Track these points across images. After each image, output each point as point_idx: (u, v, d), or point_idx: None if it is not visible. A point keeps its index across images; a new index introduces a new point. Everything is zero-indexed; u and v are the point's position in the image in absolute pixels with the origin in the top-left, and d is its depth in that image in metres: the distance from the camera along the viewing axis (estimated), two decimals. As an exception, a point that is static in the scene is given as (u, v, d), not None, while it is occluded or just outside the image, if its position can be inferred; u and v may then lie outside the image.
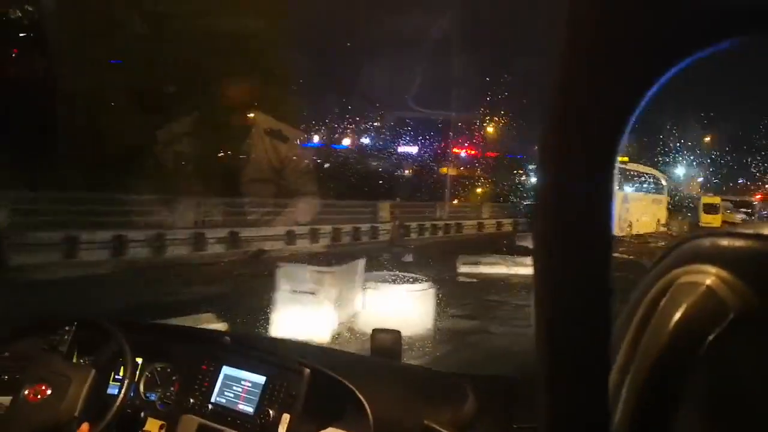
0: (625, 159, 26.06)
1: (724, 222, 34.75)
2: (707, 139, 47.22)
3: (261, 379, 1.63)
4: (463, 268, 12.75)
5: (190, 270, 10.91)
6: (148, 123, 13.48)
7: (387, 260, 13.42)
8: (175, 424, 1.65)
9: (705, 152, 46.89)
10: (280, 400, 1.55)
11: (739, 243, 0.34)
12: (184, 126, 14.59)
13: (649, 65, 0.26)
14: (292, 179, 17.18)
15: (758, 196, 47.21)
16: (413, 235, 19.15)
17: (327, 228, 16.42)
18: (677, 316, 0.33)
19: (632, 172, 24.68)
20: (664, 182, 27.61)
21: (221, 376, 1.69)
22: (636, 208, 24.12)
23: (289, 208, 16.06)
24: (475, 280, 12.05)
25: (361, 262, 7.52)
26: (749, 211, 41.25)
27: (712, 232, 0.36)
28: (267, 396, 1.59)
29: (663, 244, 24.30)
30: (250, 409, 1.59)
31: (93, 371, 1.63)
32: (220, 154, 16.79)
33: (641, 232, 24.89)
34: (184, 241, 12.65)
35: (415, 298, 6.89)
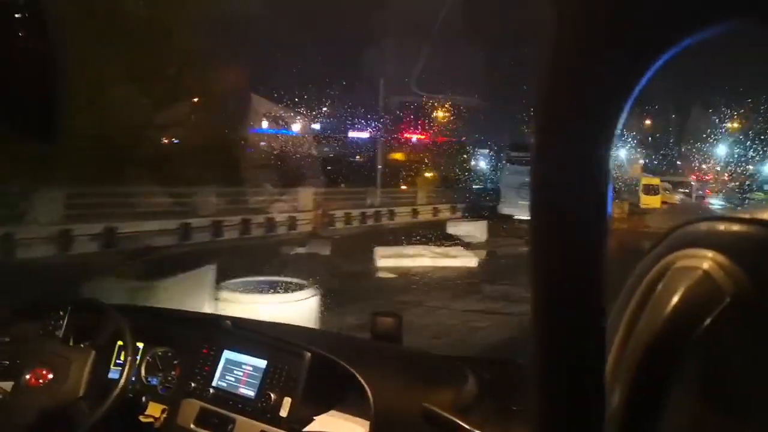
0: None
1: (663, 202, 34.63)
2: (647, 122, 48.45)
3: (262, 363, 1.62)
4: (383, 262, 11.24)
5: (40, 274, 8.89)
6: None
7: (293, 256, 11.74)
8: (176, 407, 1.64)
9: (646, 135, 48.08)
10: (282, 383, 1.55)
11: (735, 228, 0.34)
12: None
13: (642, 52, 0.26)
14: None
15: (693, 177, 48.24)
16: (339, 225, 17.49)
17: (235, 219, 14.52)
18: (674, 300, 0.33)
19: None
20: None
21: (222, 360, 1.68)
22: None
23: (187, 198, 14.10)
24: (394, 275, 10.55)
25: (210, 270, 5.79)
26: (687, 191, 41.67)
27: (709, 217, 0.36)
28: (268, 380, 1.58)
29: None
30: (251, 393, 1.59)
31: (93, 352, 1.67)
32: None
33: None
34: (45, 240, 10.51)
35: (287, 311, 5.23)
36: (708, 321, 0.32)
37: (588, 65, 0.26)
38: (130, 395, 1.69)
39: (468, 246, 13.90)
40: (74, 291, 5.15)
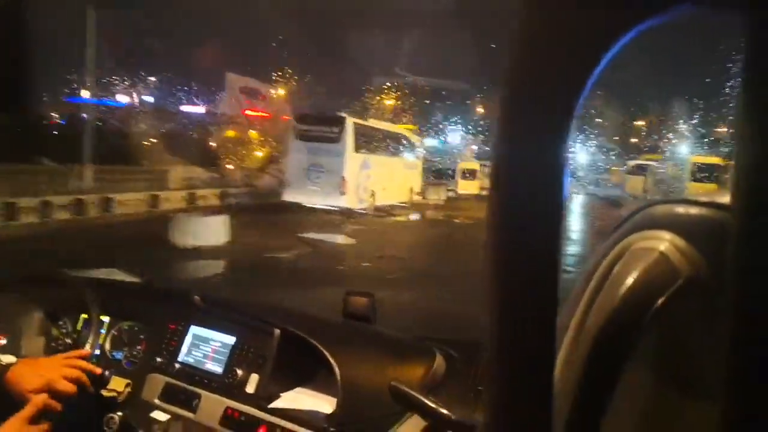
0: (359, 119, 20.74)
1: (483, 188, 32.59)
2: (480, 109, 48.60)
3: (230, 339, 1.60)
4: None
5: None
6: None
7: None
8: (141, 382, 1.60)
9: (478, 120, 48.09)
10: (249, 360, 1.53)
11: (693, 210, 0.35)
12: None
13: (597, 37, 0.26)
14: None
15: None
16: None
17: None
18: (630, 280, 0.34)
19: (376, 132, 19.52)
20: (417, 144, 23.20)
21: (189, 336, 1.66)
22: (381, 175, 19.18)
23: None
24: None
25: None
26: None
27: (668, 200, 0.37)
28: (236, 356, 1.56)
29: (415, 218, 20.10)
30: (218, 369, 1.56)
31: (39, 315, 1.72)
32: None
33: (388, 203, 20.16)
34: None
35: None
36: (662, 300, 0.33)
37: (546, 49, 0.26)
38: None
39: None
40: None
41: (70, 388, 1.37)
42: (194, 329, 1.65)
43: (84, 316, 1.73)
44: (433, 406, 1.12)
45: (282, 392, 1.48)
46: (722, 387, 0.25)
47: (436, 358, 1.45)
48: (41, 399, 1.29)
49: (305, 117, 17.59)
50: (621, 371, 0.34)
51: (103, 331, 1.73)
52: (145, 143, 20.42)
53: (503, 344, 0.29)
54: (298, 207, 16.83)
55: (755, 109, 0.25)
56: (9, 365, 1.36)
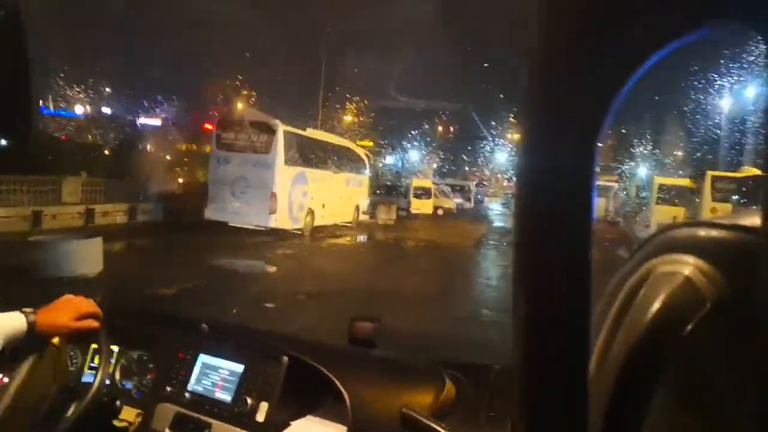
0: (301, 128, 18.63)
1: (438, 207, 30.77)
2: (440, 128, 49.21)
3: (239, 367, 1.60)
4: None
5: None
6: None
7: None
8: (151, 412, 1.61)
9: (437, 139, 48.64)
10: (258, 388, 1.53)
11: (715, 233, 0.34)
12: None
13: (629, 54, 0.27)
14: None
15: (474, 180, 47.35)
16: None
17: None
18: (656, 305, 0.34)
19: (315, 144, 17.34)
20: (365, 159, 21.12)
21: (198, 364, 1.65)
22: (320, 191, 17.01)
23: None
24: None
25: None
26: (467, 195, 39.23)
27: (691, 222, 0.36)
28: (245, 384, 1.56)
29: (359, 240, 17.12)
30: (227, 397, 1.56)
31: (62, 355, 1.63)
32: None
33: (329, 223, 17.96)
34: None
35: None
36: (690, 326, 0.32)
37: (575, 67, 0.26)
38: (104, 399, 1.61)
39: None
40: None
41: (94, 323, 1.47)
42: (203, 357, 1.64)
43: (93, 345, 1.70)
44: None
45: (292, 420, 1.47)
46: (750, 415, 0.25)
47: (446, 383, 1.44)
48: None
49: (228, 123, 15.28)
50: (649, 399, 0.33)
51: (112, 360, 1.70)
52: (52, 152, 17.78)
53: (532, 365, 0.29)
54: (220, 227, 14.49)
55: None
56: (34, 316, 1.37)
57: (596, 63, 0.26)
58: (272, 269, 10.74)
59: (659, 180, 22.51)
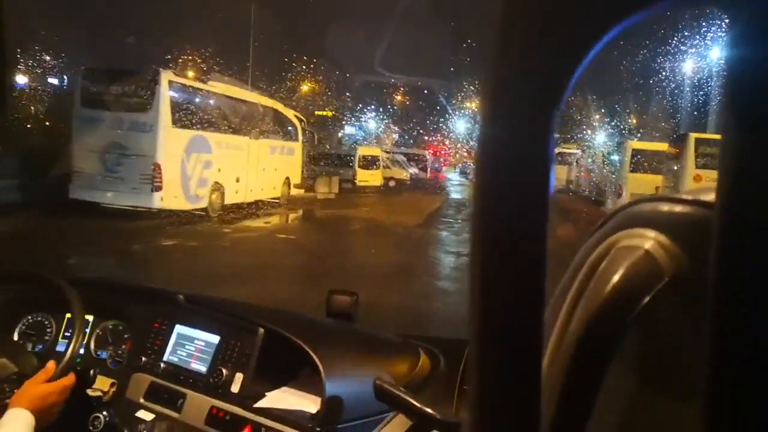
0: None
1: (389, 179, 27.43)
2: (398, 97, 47.12)
3: (214, 339, 1.58)
4: None
5: None
6: None
7: None
8: (126, 382, 1.60)
9: (397, 110, 47.34)
10: (234, 359, 1.52)
11: (678, 208, 0.35)
12: None
13: (589, 24, 0.26)
14: None
15: (431, 151, 45.02)
16: None
17: None
18: (614, 278, 0.34)
19: (221, 101, 13.64)
20: (297, 124, 17.50)
21: (174, 335, 1.64)
22: (232, 162, 13.50)
23: None
24: None
25: None
26: (422, 165, 36.23)
27: (654, 197, 0.37)
28: (220, 355, 1.54)
29: (285, 222, 13.96)
30: (203, 368, 1.55)
31: (22, 316, 1.74)
32: None
33: (248, 200, 14.47)
34: None
35: None
36: (647, 298, 0.33)
37: (532, 39, 0.26)
38: (78, 369, 1.57)
39: None
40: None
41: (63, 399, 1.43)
42: (179, 328, 1.64)
43: (68, 315, 1.69)
44: (418, 404, 1.11)
45: (267, 392, 1.46)
46: (704, 385, 0.25)
47: (420, 357, 1.47)
48: (51, 365, 1.42)
49: (95, 74, 11.44)
50: (606, 371, 0.34)
51: (87, 330, 1.69)
52: None
53: (487, 342, 0.29)
54: (91, 208, 10.85)
55: (739, 104, 0.24)
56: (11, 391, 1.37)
57: (556, 35, 0.26)
58: (124, 271, 7.26)
59: (633, 145, 19.62)
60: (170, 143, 11.27)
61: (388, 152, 30.98)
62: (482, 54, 0.27)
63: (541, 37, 0.26)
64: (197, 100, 12.55)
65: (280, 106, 17.03)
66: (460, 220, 16.20)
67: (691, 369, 0.31)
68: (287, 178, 16.92)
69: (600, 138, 33.05)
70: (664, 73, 26.49)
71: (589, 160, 27.91)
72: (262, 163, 15.12)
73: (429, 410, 1.10)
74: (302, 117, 18.34)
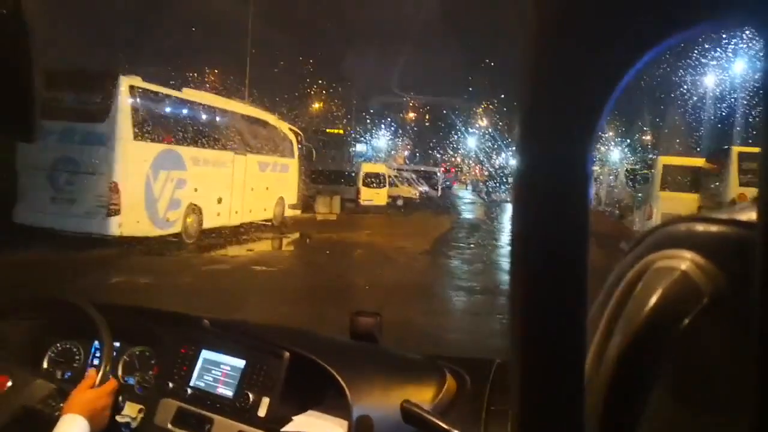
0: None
1: (397, 197, 25.58)
2: (411, 114, 47.62)
3: (240, 363, 1.56)
4: None
5: None
6: None
7: None
8: (154, 407, 1.58)
9: (408, 127, 47.27)
10: (260, 383, 1.50)
11: (713, 228, 0.34)
12: None
13: (627, 48, 0.26)
14: None
15: (442, 168, 43.73)
16: None
17: None
18: (652, 300, 0.33)
19: (197, 110, 11.92)
20: (293, 138, 15.75)
21: (200, 360, 1.62)
22: (214, 180, 11.80)
23: None
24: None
25: None
26: (433, 182, 34.49)
27: (687, 217, 0.36)
28: (246, 379, 1.53)
29: (275, 252, 11.45)
30: (229, 393, 1.53)
31: (49, 343, 1.73)
32: None
33: (236, 223, 12.75)
34: None
35: None
36: (686, 321, 0.32)
37: (572, 61, 0.26)
38: None
39: None
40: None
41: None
42: (205, 353, 1.62)
43: (96, 341, 1.69)
44: (446, 426, 1.10)
45: (293, 415, 1.46)
46: (748, 409, 0.25)
47: (446, 378, 1.44)
48: (92, 372, 1.48)
49: (43, 76, 9.72)
50: (646, 394, 0.33)
51: (114, 355, 1.68)
52: None
53: (528, 363, 0.28)
54: (45, 234, 9.12)
55: None
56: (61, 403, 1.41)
57: (596, 56, 0.26)
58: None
59: (664, 160, 17.57)
60: (131, 159, 9.52)
61: (396, 169, 29.25)
62: (516, 74, 0.27)
63: (581, 57, 0.26)
64: (168, 109, 10.82)
65: (271, 118, 15.29)
66: (472, 245, 14.29)
67: (732, 391, 0.31)
68: (281, 198, 15.13)
69: (616, 153, 31.31)
70: (686, 86, 25.16)
71: (610, 177, 25.92)
72: (250, 182, 13.35)
73: (457, 431, 1.07)
74: (298, 131, 16.58)
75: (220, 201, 12.18)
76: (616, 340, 0.34)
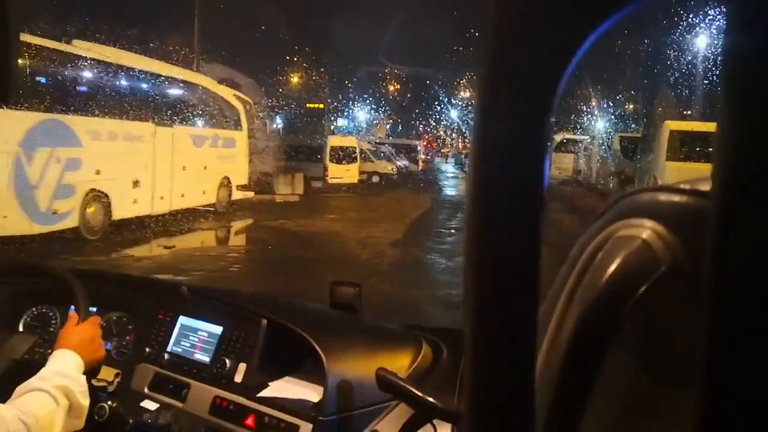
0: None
1: (372, 173, 22.97)
2: (392, 87, 45.57)
3: (218, 329, 1.56)
4: None
5: None
6: None
7: None
8: (130, 372, 1.58)
9: (389, 99, 45.34)
10: (237, 349, 1.50)
11: (675, 198, 0.34)
12: None
13: (585, 16, 0.26)
14: None
15: (424, 142, 41.37)
16: None
17: None
18: (611, 268, 0.34)
19: (110, 73, 9.16)
20: (240, 107, 13.01)
21: (178, 326, 1.62)
22: (127, 160, 9.08)
23: None
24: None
25: None
26: (413, 155, 31.98)
27: (651, 187, 0.36)
28: (223, 346, 1.53)
29: (196, 248, 9.92)
30: (206, 359, 1.53)
31: (26, 307, 1.72)
32: None
33: (164, 211, 10.17)
34: None
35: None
36: (644, 287, 0.32)
37: (530, 28, 0.26)
38: None
39: None
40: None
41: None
42: (182, 319, 1.62)
43: (72, 306, 1.61)
44: (419, 394, 1.10)
45: (270, 381, 1.45)
46: (699, 377, 0.25)
47: (423, 347, 1.45)
48: (73, 314, 1.40)
49: None
50: (603, 361, 0.33)
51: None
52: None
53: (482, 335, 0.28)
54: None
55: (735, 92, 0.23)
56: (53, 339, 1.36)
57: (551, 25, 0.25)
58: None
59: (672, 125, 15.16)
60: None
61: (374, 143, 26.62)
62: (477, 45, 0.27)
63: (536, 27, 0.26)
64: (51, 68, 8.08)
65: (208, 82, 12.55)
66: (454, 230, 11.84)
67: (688, 359, 0.31)
68: (225, 179, 12.53)
69: (603, 124, 29.19)
70: (674, 54, 23.17)
71: (603, 147, 23.56)
72: (180, 160, 10.75)
73: (431, 400, 1.08)
74: (247, 98, 13.81)
75: (136, 184, 9.58)
76: (575, 307, 0.34)
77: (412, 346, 1.44)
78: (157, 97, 10.31)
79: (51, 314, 1.71)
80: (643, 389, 0.35)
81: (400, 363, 1.36)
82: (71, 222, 8.26)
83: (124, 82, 9.57)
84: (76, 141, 8.24)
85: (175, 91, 10.97)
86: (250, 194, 13.74)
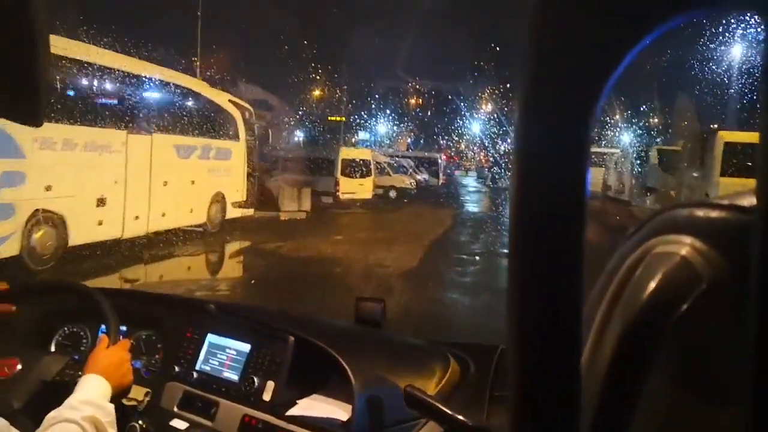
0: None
1: (389, 188, 21.23)
2: (413, 101, 45.65)
3: (246, 347, 1.54)
4: None
5: None
6: None
7: None
8: (160, 391, 1.56)
9: (410, 112, 45.32)
10: (265, 367, 1.48)
11: (714, 214, 0.33)
12: None
13: (626, 29, 0.26)
14: None
15: (445, 156, 39.95)
16: None
17: None
18: (651, 285, 0.33)
19: (78, 71, 7.55)
20: (236, 115, 11.41)
21: (206, 344, 1.60)
22: (89, 174, 7.46)
23: None
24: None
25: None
26: (434, 169, 30.31)
27: (689, 203, 0.35)
28: (252, 363, 1.51)
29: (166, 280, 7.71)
30: (234, 377, 1.51)
31: (56, 327, 1.71)
32: None
33: (140, 233, 8.52)
34: None
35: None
36: (685, 306, 0.31)
37: (571, 43, 0.26)
38: None
39: None
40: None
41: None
42: (211, 337, 1.60)
43: (102, 325, 1.63)
44: (448, 411, 1.07)
45: (298, 399, 1.44)
46: (746, 394, 0.25)
47: (450, 363, 1.43)
48: (103, 336, 1.37)
49: None
50: (644, 380, 0.33)
51: (120, 339, 1.58)
52: None
53: (524, 347, 0.28)
54: None
55: None
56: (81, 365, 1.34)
57: (595, 36, 0.25)
58: None
59: (726, 136, 13.15)
60: None
61: (391, 156, 24.98)
62: (516, 53, 0.26)
63: (580, 37, 0.25)
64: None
65: (197, 84, 11.00)
66: (478, 256, 10.03)
67: (729, 377, 0.31)
68: (218, 194, 10.92)
69: (630, 137, 27.28)
70: (713, 66, 21.51)
71: (637, 161, 21.50)
72: (161, 173, 9.16)
73: (460, 417, 1.06)
74: (246, 104, 12.21)
75: (102, 203, 7.98)
76: (614, 325, 0.34)
77: (440, 362, 1.43)
78: (131, 101, 8.74)
79: (82, 333, 1.70)
80: (684, 407, 0.34)
81: (428, 379, 1.35)
82: (10, 249, 6.66)
83: (86, 81, 8.00)
84: (15, 150, 6.67)
85: (154, 94, 9.41)
86: (250, 211, 12.12)
